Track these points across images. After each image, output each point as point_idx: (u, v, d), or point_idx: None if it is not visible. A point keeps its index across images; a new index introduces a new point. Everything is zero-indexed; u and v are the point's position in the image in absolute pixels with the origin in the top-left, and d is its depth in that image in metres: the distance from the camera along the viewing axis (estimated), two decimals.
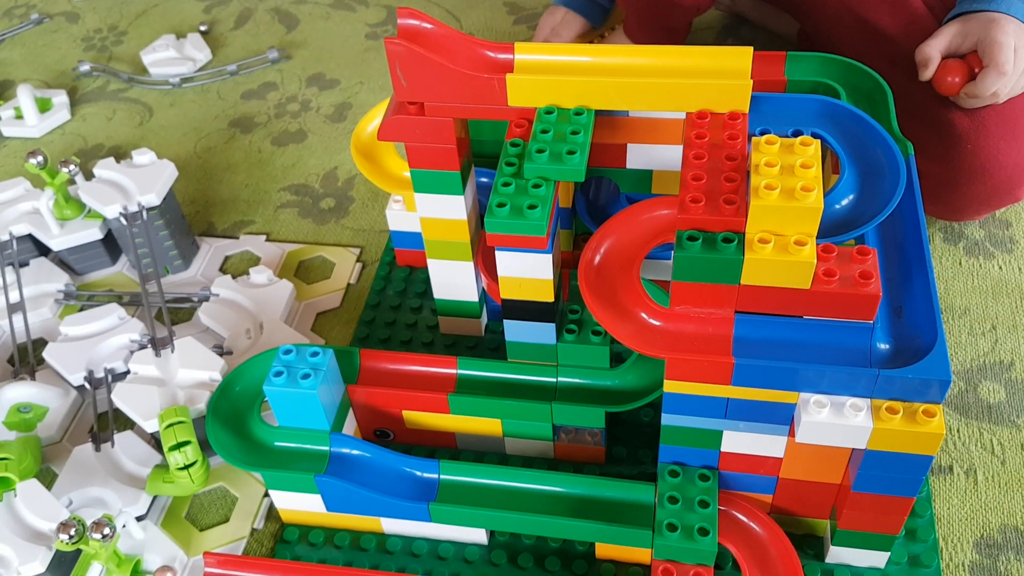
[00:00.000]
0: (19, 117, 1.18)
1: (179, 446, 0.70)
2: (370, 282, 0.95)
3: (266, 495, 0.77)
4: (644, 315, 0.60)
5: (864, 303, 0.55)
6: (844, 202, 0.62)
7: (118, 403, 0.75)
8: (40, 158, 0.89)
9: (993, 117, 0.82)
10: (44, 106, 1.18)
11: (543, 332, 0.71)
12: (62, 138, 1.16)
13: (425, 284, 0.93)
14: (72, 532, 0.65)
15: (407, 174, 0.89)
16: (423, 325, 0.90)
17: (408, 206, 0.88)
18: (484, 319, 0.87)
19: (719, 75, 0.64)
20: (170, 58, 1.24)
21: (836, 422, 0.56)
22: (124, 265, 0.98)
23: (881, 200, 0.61)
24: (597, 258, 0.62)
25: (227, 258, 0.99)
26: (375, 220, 1.02)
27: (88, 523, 0.66)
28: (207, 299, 0.90)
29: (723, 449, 0.64)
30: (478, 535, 0.72)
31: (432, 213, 0.75)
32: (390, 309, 0.92)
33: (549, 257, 0.65)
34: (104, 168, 0.91)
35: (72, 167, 0.90)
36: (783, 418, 0.60)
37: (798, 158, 0.56)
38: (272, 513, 0.76)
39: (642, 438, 0.78)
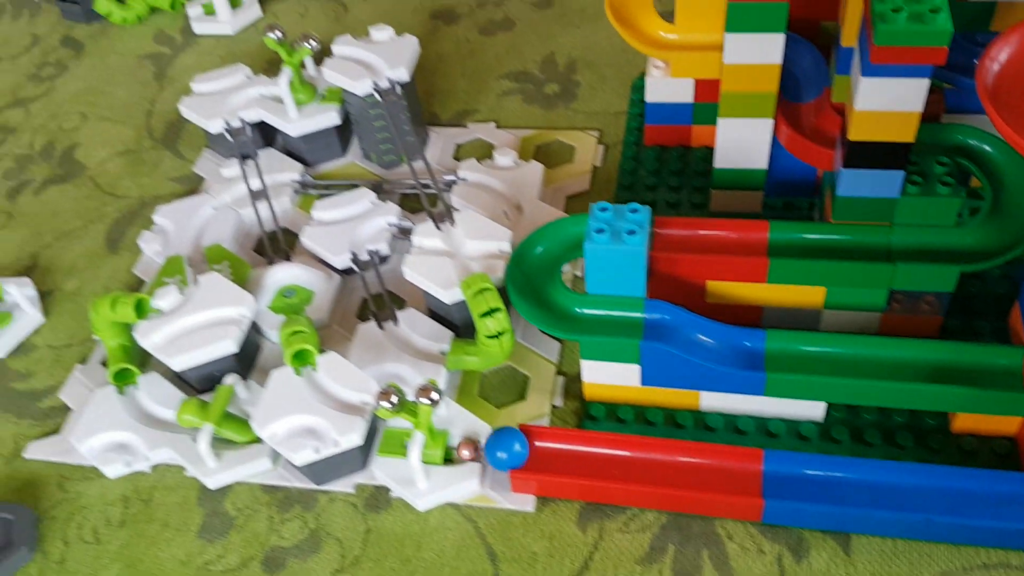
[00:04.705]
0: (209, 13, 1.13)
1: (490, 313, 0.65)
2: (617, 163, 0.89)
3: (559, 373, 0.72)
4: None
5: None
6: None
7: (410, 276, 0.70)
8: (279, 32, 0.84)
9: None
10: (233, 3, 1.14)
11: (887, 183, 0.63)
12: (256, 36, 1.12)
13: (681, 162, 0.86)
14: (394, 399, 0.60)
15: (669, 36, 0.81)
16: (687, 204, 0.83)
17: (674, 71, 0.81)
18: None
19: None
20: None
21: None
22: (355, 154, 0.93)
23: None
24: (997, 65, 0.54)
25: (459, 146, 0.94)
26: (608, 102, 0.95)
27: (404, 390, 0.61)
28: (454, 183, 0.85)
29: None
30: (811, 410, 0.65)
31: (741, 58, 0.68)
32: (646, 189, 0.85)
33: (928, 82, 0.57)
34: (343, 45, 0.86)
35: (312, 42, 0.85)
36: None
37: None
38: (570, 391, 0.71)
39: (978, 307, 0.70)
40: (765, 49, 0.67)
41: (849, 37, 0.66)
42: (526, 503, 0.64)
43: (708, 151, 0.86)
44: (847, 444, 0.64)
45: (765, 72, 0.69)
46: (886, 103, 0.58)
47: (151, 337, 0.69)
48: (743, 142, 0.74)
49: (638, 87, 0.95)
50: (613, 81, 0.98)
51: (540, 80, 1.00)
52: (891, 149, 0.61)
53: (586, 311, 0.66)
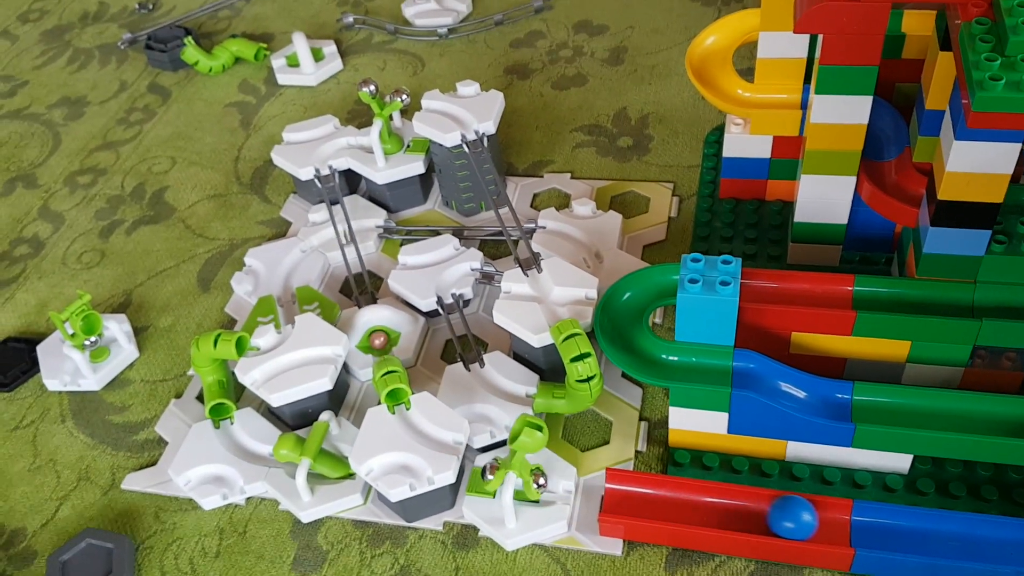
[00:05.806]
0: (292, 65, 1.18)
1: (581, 357, 0.67)
2: (692, 215, 0.91)
3: (642, 418, 0.73)
4: None
5: None
6: None
7: (500, 320, 0.72)
8: (372, 87, 0.88)
9: None
10: (316, 56, 1.19)
11: (974, 241, 0.65)
12: (338, 87, 1.16)
13: (756, 215, 0.88)
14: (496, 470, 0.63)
15: (748, 94, 0.84)
16: (763, 255, 0.85)
17: (754, 128, 0.84)
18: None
19: None
20: (431, 10, 1.23)
21: None
22: (435, 202, 0.96)
23: None
24: None
25: (535, 195, 0.97)
26: (681, 156, 0.98)
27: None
28: (534, 231, 0.88)
29: None
30: (897, 462, 0.66)
31: (829, 118, 0.70)
32: (722, 241, 0.87)
33: (1020, 146, 0.59)
34: (432, 99, 0.90)
35: (404, 96, 0.89)
36: None
37: None
38: (653, 436, 0.72)
39: None
40: (852, 110, 0.69)
41: (935, 100, 0.68)
42: (614, 547, 0.65)
43: (783, 205, 0.88)
44: (933, 496, 0.65)
45: (851, 132, 0.71)
46: (978, 165, 0.60)
47: (251, 374, 0.72)
48: (825, 198, 0.76)
49: (711, 141, 0.98)
50: (685, 135, 1.00)
51: (613, 133, 1.03)
52: (980, 209, 0.63)
53: (672, 358, 0.68)
